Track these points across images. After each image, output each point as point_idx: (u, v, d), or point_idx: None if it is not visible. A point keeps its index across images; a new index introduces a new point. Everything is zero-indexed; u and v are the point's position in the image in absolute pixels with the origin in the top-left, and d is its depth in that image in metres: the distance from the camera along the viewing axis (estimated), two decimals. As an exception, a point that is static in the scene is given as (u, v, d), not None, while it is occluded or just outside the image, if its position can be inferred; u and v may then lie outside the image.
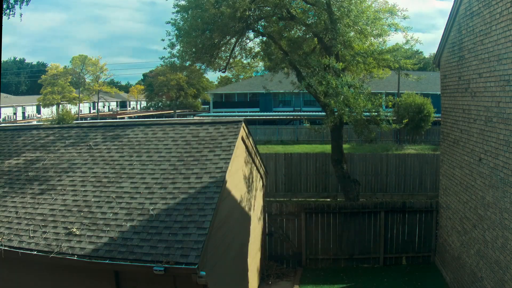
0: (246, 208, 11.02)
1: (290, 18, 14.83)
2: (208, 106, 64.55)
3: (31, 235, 7.56)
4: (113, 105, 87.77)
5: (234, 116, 44.44)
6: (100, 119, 54.60)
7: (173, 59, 15.40)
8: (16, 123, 51.65)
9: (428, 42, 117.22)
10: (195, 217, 7.43)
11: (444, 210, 12.97)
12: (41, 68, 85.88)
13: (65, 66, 63.77)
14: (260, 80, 49.86)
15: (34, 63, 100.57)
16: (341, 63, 13.75)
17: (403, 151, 28.50)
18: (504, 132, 8.64)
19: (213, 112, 53.59)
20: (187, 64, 15.92)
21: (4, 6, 10.05)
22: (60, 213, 7.98)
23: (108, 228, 7.45)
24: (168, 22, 14.68)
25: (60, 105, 57.93)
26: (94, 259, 6.90)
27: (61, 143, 10.30)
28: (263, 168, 12.78)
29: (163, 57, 16.16)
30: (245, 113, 48.41)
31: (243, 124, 10.10)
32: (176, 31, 14.65)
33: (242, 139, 10.14)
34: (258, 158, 12.07)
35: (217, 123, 10.17)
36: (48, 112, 52.28)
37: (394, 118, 32.75)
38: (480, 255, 9.88)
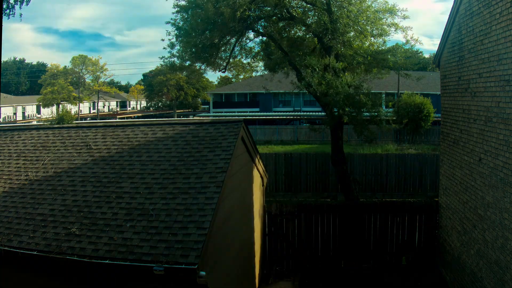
0: (246, 208, 11.02)
1: (290, 18, 14.84)
2: (208, 106, 64.54)
3: (31, 235, 7.55)
4: (113, 105, 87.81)
5: (234, 116, 44.50)
6: (100, 119, 54.65)
7: (173, 59, 15.42)
8: (16, 123, 51.66)
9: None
10: (195, 217, 7.42)
11: (444, 210, 12.97)
12: (41, 68, 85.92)
13: (65, 66, 63.90)
14: (260, 80, 49.88)
15: (34, 63, 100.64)
16: (341, 63, 13.75)
17: (403, 151, 28.52)
18: (504, 132, 8.64)
19: (213, 112, 53.59)
20: (187, 64, 15.93)
21: (4, 6, 10.04)
22: (60, 213, 7.97)
23: (108, 228, 7.45)
24: (168, 22, 14.71)
25: (60, 105, 57.97)
26: (94, 259, 6.89)
27: (61, 143, 10.30)
28: (263, 168, 12.77)
29: (163, 57, 16.20)
30: (245, 113, 48.43)
31: (243, 124, 10.09)
32: (176, 31, 14.67)
33: (242, 139, 10.14)
34: (258, 158, 12.07)
35: (217, 123, 10.16)
36: (48, 112, 52.35)
37: (394, 118, 32.86)
38: (480, 255, 9.88)
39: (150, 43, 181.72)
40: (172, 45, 14.95)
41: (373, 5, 14.45)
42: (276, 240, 13.93)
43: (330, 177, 20.79)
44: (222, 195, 8.02)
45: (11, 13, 10.29)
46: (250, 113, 48.65)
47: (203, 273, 6.63)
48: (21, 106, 66.22)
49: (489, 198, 9.39)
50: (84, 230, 7.47)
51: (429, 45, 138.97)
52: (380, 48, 15.12)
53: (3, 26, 3.59)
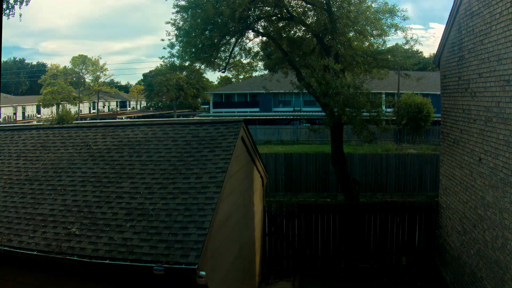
0: (246, 208, 11.02)
1: (290, 18, 14.84)
2: (208, 106, 64.55)
3: (31, 235, 7.55)
4: (113, 105, 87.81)
5: (234, 116, 44.51)
6: (100, 119, 54.64)
7: (172, 59, 15.42)
8: (16, 123, 51.64)
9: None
10: (195, 217, 7.43)
11: (444, 210, 12.97)
12: (41, 68, 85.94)
13: (65, 66, 63.91)
14: (260, 80, 49.86)
15: (34, 63, 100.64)
16: (339, 65, 13.75)
17: (403, 151, 28.53)
18: (504, 132, 8.64)
19: (213, 112, 53.60)
20: (187, 64, 15.93)
21: (4, 6, 10.04)
22: (60, 213, 7.97)
23: (108, 228, 7.45)
24: (168, 22, 14.71)
25: (60, 105, 57.95)
26: (94, 259, 6.90)
27: (61, 143, 10.30)
28: (263, 168, 12.77)
29: (162, 57, 16.20)
30: (245, 113, 48.46)
31: (243, 124, 10.09)
32: (176, 31, 14.67)
33: (242, 139, 10.14)
34: (258, 158, 12.07)
35: (217, 123, 10.16)
36: (48, 112, 52.30)
37: (394, 118, 32.89)
38: (480, 255, 9.88)
39: (71, 52, 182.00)
40: (172, 45, 14.96)
41: (373, 5, 14.47)
42: (276, 240, 13.93)
43: (330, 177, 20.80)
44: (222, 195, 8.02)
45: (11, 13, 10.30)
46: (250, 113, 48.67)
47: (203, 273, 6.63)
48: (21, 106, 66.22)
49: (489, 198, 9.39)
50: (84, 230, 7.47)
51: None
52: (380, 48, 15.12)
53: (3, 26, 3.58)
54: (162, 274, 6.60)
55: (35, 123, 49.37)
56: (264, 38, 16.10)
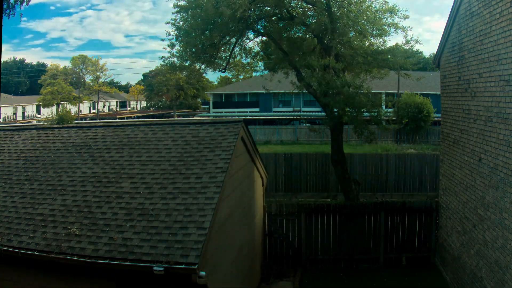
0: (246, 208, 11.02)
1: (290, 18, 14.83)
2: (208, 106, 64.50)
3: (31, 235, 7.56)
4: (113, 105, 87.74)
5: (234, 116, 44.49)
6: (100, 119, 54.62)
7: (172, 59, 15.42)
8: (16, 123, 51.64)
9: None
10: (195, 217, 7.43)
11: (444, 210, 12.97)
12: (41, 68, 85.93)
13: (65, 66, 63.92)
14: (260, 80, 49.82)
15: (34, 63, 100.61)
16: (340, 64, 13.75)
17: (403, 151, 28.53)
18: (504, 132, 8.64)
19: (213, 112, 53.56)
20: (187, 64, 15.92)
21: (4, 6, 10.05)
22: (60, 213, 7.97)
23: (108, 228, 7.45)
24: (168, 22, 14.72)
25: (60, 105, 57.96)
26: (94, 259, 6.90)
27: (61, 143, 10.30)
28: (263, 168, 12.78)
29: (163, 57, 16.18)
30: (245, 113, 48.44)
31: (243, 124, 10.10)
32: (176, 31, 14.66)
33: (242, 139, 10.14)
34: (258, 158, 12.07)
35: (217, 123, 10.17)
36: (48, 112, 52.35)
37: (394, 118, 32.88)
38: (480, 255, 9.88)
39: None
40: (172, 45, 14.95)
41: (373, 5, 14.45)
42: (276, 240, 13.93)
43: (330, 177, 20.79)
44: (222, 195, 8.02)
45: (11, 13, 10.31)
46: (250, 113, 48.64)
47: (203, 273, 6.63)
48: (21, 106, 66.19)
49: (489, 198, 9.39)
50: (84, 230, 7.47)
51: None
52: (380, 48, 15.10)
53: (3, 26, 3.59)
54: (162, 274, 6.60)
55: (35, 123, 49.38)
56: (264, 38, 16.10)
